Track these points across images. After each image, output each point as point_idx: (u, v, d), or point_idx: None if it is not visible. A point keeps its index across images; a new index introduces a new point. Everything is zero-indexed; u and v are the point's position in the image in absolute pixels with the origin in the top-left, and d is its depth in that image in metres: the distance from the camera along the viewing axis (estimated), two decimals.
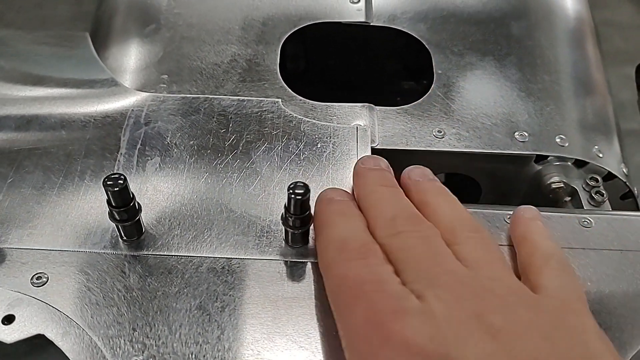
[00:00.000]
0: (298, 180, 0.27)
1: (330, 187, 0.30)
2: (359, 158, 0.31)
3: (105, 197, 0.29)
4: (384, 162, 0.30)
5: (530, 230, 0.29)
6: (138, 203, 0.28)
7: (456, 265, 0.25)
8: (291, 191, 0.26)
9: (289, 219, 0.27)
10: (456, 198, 0.29)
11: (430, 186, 0.30)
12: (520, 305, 0.23)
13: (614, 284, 0.28)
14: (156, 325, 0.26)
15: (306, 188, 0.26)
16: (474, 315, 0.22)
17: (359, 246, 0.25)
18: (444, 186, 0.30)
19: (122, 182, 0.26)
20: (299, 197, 0.26)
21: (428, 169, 0.31)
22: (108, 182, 0.26)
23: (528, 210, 0.30)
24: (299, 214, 0.27)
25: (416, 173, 0.30)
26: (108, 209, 0.27)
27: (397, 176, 0.31)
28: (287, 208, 0.27)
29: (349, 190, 0.30)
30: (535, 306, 0.24)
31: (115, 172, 0.29)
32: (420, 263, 0.25)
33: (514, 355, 0.21)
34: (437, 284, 0.23)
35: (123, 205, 0.27)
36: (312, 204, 0.28)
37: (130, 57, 0.38)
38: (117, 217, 0.27)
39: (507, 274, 0.26)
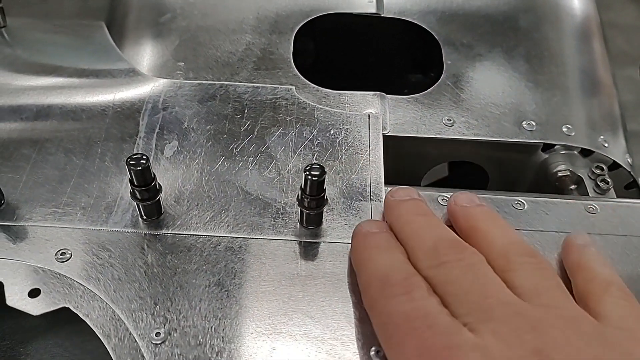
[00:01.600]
0: (314, 162, 0.28)
1: (365, 220, 0.30)
2: (388, 191, 0.30)
3: (126, 178, 0.30)
4: (414, 192, 0.30)
5: (585, 257, 0.28)
6: (159, 183, 0.28)
7: (508, 295, 0.24)
8: (307, 172, 0.27)
9: (305, 200, 0.28)
10: (506, 222, 0.29)
11: (478, 211, 0.29)
12: (583, 339, 0.22)
13: (618, 267, 0.29)
14: (177, 300, 0.27)
15: (322, 170, 0.27)
16: (534, 351, 0.21)
17: (401, 280, 0.25)
18: (492, 210, 0.29)
19: (144, 161, 0.27)
20: (315, 178, 0.27)
21: (475, 195, 0.30)
22: (131, 162, 0.27)
23: (579, 237, 0.29)
24: (315, 195, 0.28)
25: (462, 199, 0.29)
26: (130, 188, 0.28)
27: (410, 164, 0.31)
28: (303, 189, 0.28)
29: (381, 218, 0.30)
30: (600, 338, 0.23)
31: (138, 152, 0.30)
32: (470, 295, 0.24)
33: None
34: (491, 317, 0.23)
35: (145, 185, 0.27)
36: (326, 187, 0.28)
37: (147, 45, 0.39)
38: (138, 196, 0.28)
39: (566, 302, 0.25)
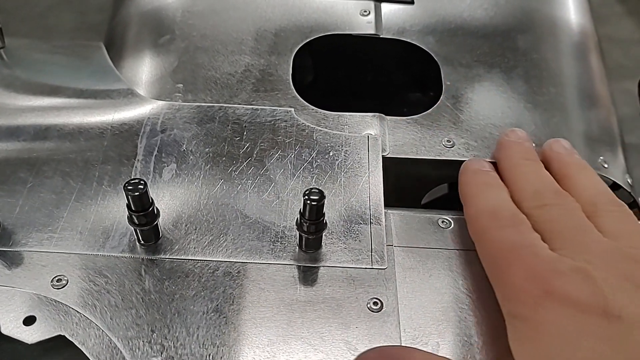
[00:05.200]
0: (313, 186, 0.28)
1: (472, 158, 0.34)
2: (504, 131, 0.34)
3: (123, 202, 0.30)
4: (524, 134, 0.33)
5: None
6: (157, 208, 0.28)
7: (599, 236, 0.27)
8: (307, 197, 0.27)
9: (304, 224, 0.28)
10: (595, 172, 0.32)
11: (572, 160, 0.32)
12: None
13: None
14: (174, 327, 0.26)
15: (321, 194, 0.27)
16: (625, 276, 0.24)
17: (510, 215, 0.28)
18: (584, 161, 0.32)
19: (142, 187, 0.27)
20: (314, 203, 0.27)
21: (568, 142, 0.33)
22: (129, 187, 0.26)
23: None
24: (314, 220, 0.28)
25: (557, 146, 0.33)
26: (127, 213, 0.28)
27: (410, 186, 0.31)
28: (302, 213, 0.28)
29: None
30: None
31: (135, 177, 0.30)
32: (567, 233, 0.27)
33: None
34: (585, 251, 0.25)
35: (142, 210, 0.27)
36: (326, 211, 0.28)
37: (145, 67, 0.39)
38: (136, 221, 0.28)
39: None
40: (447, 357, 0.25)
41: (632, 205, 0.37)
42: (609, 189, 0.30)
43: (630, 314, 0.23)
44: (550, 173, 0.31)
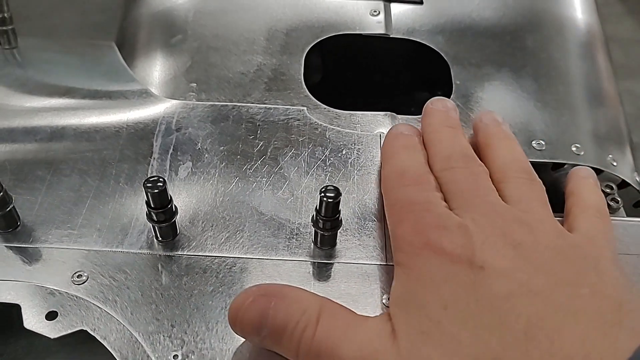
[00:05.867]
0: (328, 184, 0.28)
1: (402, 122, 0.35)
2: (430, 99, 0.34)
3: (141, 199, 0.30)
4: (450, 103, 0.34)
5: (579, 185, 0.32)
6: (175, 205, 0.29)
7: (496, 199, 0.28)
8: (323, 194, 0.27)
9: (320, 221, 0.28)
10: (517, 142, 0.33)
11: (496, 130, 0.33)
12: (545, 233, 0.26)
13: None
14: (194, 322, 0.27)
15: (337, 191, 0.27)
16: (502, 234, 0.25)
17: (416, 175, 0.29)
18: (509, 131, 0.33)
19: (161, 184, 0.27)
20: (331, 200, 0.27)
21: (498, 115, 0.34)
22: (148, 184, 0.27)
23: (583, 170, 0.33)
24: (330, 217, 0.28)
25: (487, 117, 0.34)
26: (146, 210, 0.28)
27: None
28: (318, 210, 0.28)
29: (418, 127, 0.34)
30: (560, 236, 0.27)
31: (155, 174, 0.30)
32: (465, 194, 0.28)
33: (529, 261, 0.24)
34: (476, 210, 0.27)
35: (162, 207, 0.28)
36: (341, 208, 0.29)
37: (158, 67, 0.40)
38: (155, 218, 0.28)
39: (543, 211, 0.28)
40: None
41: None
42: (525, 158, 0.31)
43: (491, 265, 0.24)
44: (477, 143, 0.33)
